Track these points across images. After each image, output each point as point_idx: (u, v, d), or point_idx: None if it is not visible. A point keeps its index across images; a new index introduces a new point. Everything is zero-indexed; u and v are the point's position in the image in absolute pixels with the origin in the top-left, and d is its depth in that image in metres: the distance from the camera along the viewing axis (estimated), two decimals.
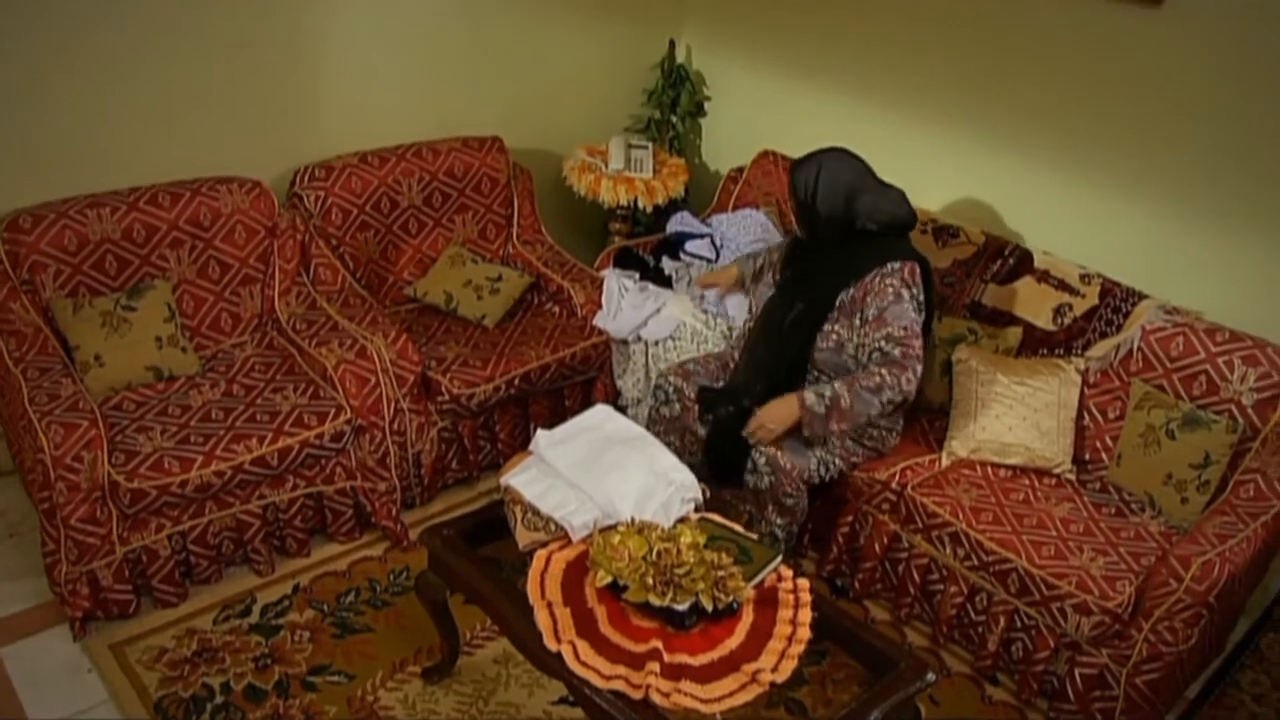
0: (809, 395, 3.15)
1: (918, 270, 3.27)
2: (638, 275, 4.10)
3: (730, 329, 3.84)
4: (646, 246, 4.35)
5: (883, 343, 3.16)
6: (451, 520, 2.89)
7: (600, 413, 3.05)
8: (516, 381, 3.67)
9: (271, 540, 3.38)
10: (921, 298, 3.26)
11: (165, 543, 3.13)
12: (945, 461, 3.38)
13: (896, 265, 3.22)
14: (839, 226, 3.25)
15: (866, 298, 3.21)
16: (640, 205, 4.36)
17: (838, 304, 3.26)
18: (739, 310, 3.85)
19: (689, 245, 4.30)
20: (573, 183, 4.41)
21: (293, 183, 3.85)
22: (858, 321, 3.23)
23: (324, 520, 3.47)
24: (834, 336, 3.27)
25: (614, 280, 4.00)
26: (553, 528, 2.67)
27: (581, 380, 3.89)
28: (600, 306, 3.92)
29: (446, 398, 3.53)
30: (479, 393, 3.58)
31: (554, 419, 3.84)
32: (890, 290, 3.19)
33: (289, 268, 3.69)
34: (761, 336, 3.44)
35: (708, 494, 2.87)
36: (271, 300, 3.66)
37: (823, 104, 4.37)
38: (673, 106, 4.82)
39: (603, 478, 2.76)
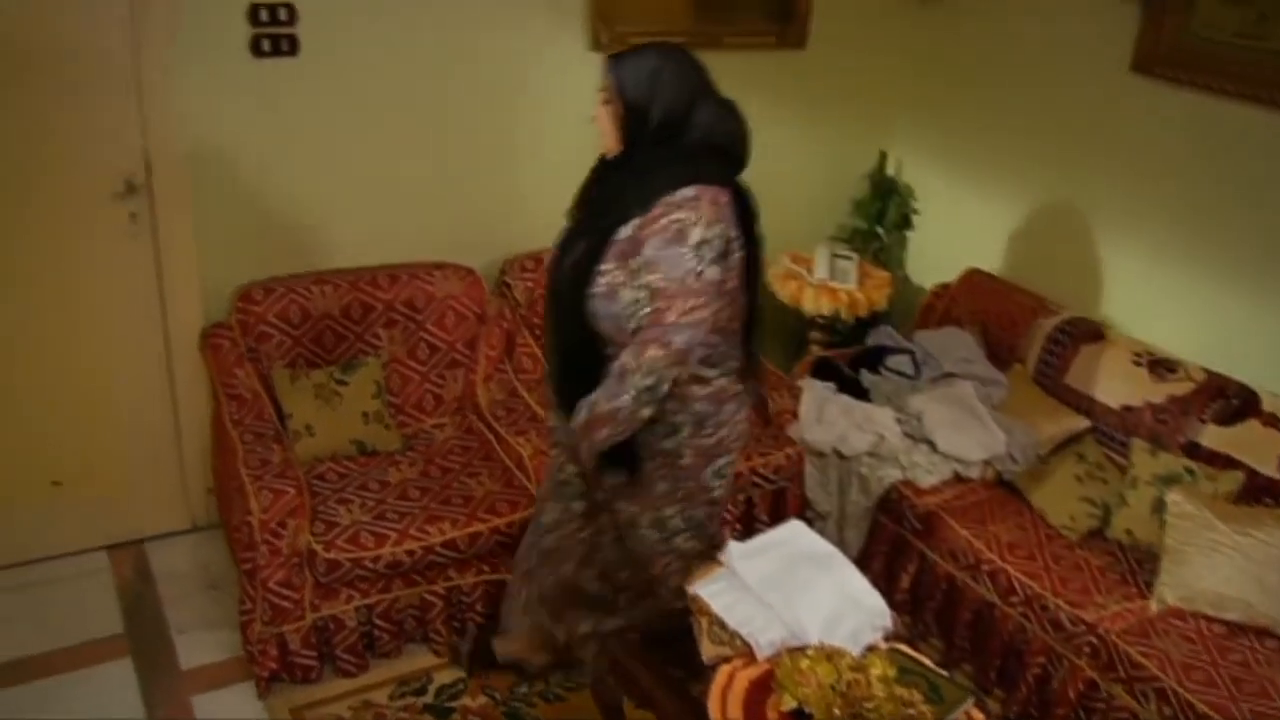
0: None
1: (724, 200, 2.48)
2: (835, 387, 4.03)
3: (932, 447, 3.73)
4: (845, 358, 4.28)
5: (647, 303, 2.46)
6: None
7: (793, 528, 2.97)
8: None
9: (452, 622, 3.40)
10: (727, 239, 2.49)
11: (353, 614, 3.20)
12: (1155, 608, 3.16)
13: (690, 193, 2.43)
14: (669, 137, 2.50)
15: (647, 235, 2.46)
16: (842, 316, 4.31)
17: (614, 239, 2.50)
18: (943, 428, 3.74)
19: (889, 360, 4.22)
20: (775, 289, 4.40)
21: (502, 271, 3.96)
22: (633, 266, 2.48)
23: (499, 611, 3.47)
24: (604, 280, 2.51)
25: (812, 390, 3.94)
26: (738, 643, 2.60)
27: (773, 489, 3.82)
28: (796, 416, 3.86)
29: None
30: None
31: (744, 526, 3.80)
32: (672, 227, 2.41)
33: (493, 354, 3.77)
34: (549, 294, 2.78)
35: (898, 622, 2.76)
36: (474, 385, 3.74)
37: (1035, 224, 4.25)
38: (880, 218, 4.77)
39: (793, 596, 2.69)
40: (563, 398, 2.67)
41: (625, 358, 2.46)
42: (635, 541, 2.89)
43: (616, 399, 2.47)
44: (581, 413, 2.53)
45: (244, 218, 3.54)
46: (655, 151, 2.49)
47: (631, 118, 2.50)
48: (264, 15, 3.32)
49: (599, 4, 3.82)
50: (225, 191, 3.46)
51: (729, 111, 2.56)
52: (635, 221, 2.46)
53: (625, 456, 2.65)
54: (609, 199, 2.55)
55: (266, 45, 3.36)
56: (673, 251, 2.40)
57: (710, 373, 2.65)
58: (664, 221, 2.41)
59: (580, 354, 2.60)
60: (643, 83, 2.47)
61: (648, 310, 2.44)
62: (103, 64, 3.21)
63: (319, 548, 3.05)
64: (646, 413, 2.50)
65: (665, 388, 2.48)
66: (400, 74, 3.63)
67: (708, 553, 2.88)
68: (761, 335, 2.81)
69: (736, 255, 2.55)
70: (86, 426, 3.57)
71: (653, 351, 2.42)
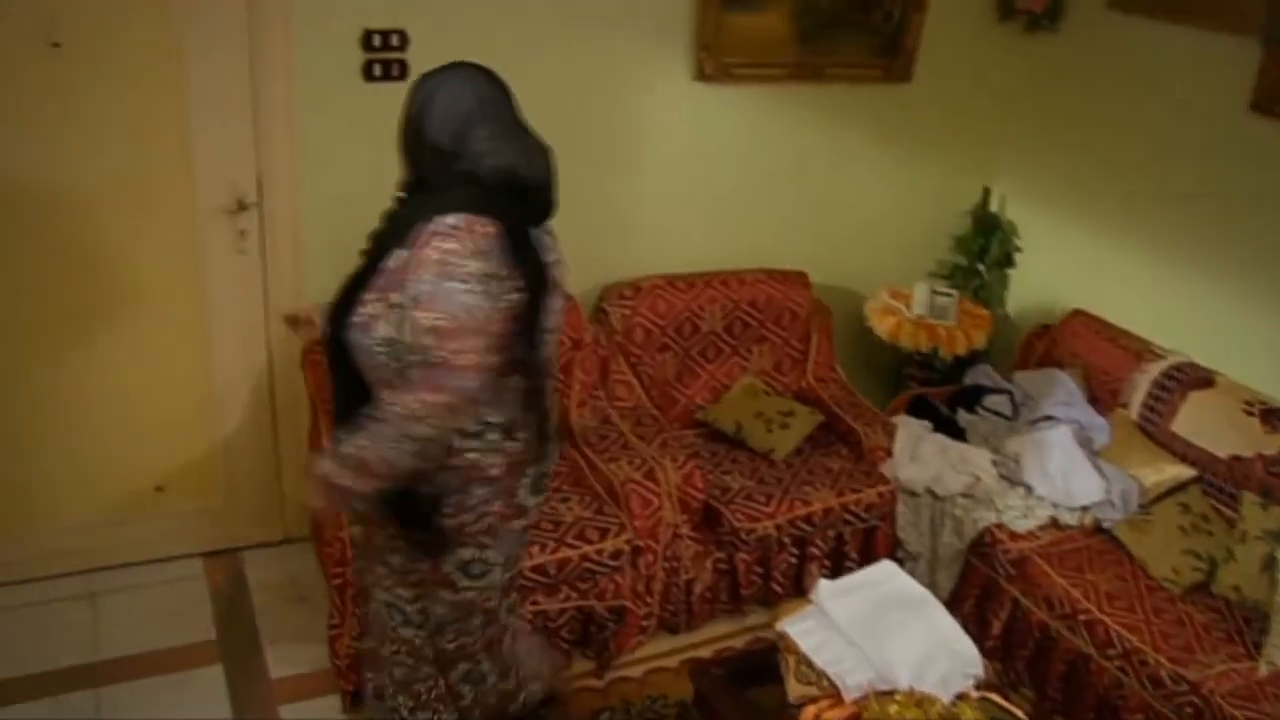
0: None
1: (489, 231, 2.21)
2: (931, 425, 3.97)
3: (1029, 490, 3.66)
4: (942, 396, 4.22)
5: (419, 340, 2.19)
6: (720, 659, 2.85)
7: (885, 569, 2.95)
8: (799, 521, 3.59)
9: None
10: (500, 277, 2.22)
11: None
12: (1263, 670, 3.04)
13: (455, 221, 2.19)
14: (441, 165, 2.29)
15: (414, 267, 2.21)
16: (940, 353, 4.25)
17: (381, 268, 2.28)
18: (1041, 472, 3.66)
19: (986, 400, 4.15)
20: (873, 324, 4.35)
21: (600, 298, 3.98)
22: (394, 300, 2.24)
23: (588, 633, 3.47)
24: (363, 311, 2.28)
25: (907, 428, 3.89)
26: (825, 683, 2.58)
27: (864, 528, 3.77)
28: (891, 454, 3.81)
29: (727, 529, 3.50)
30: (760, 528, 3.52)
31: (832, 563, 3.76)
32: (433, 259, 2.17)
33: (588, 380, 3.78)
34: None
35: (989, 670, 2.70)
36: (568, 411, 3.75)
37: (1143, 266, 4.15)
38: (981, 255, 4.70)
39: (883, 639, 2.66)
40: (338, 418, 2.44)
41: (390, 399, 2.20)
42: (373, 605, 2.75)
43: (391, 449, 2.20)
44: (328, 461, 2.27)
45: (349, 239, 3.53)
46: (436, 179, 2.31)
47: (408, 139, 2.34)
48: (377, 41, 3.39)
49: (704, 35, 3.83)
50: (331, 212, 3.53)
51: (513, 144, 2.33)
52: (401, 253, 2.24)
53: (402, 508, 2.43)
54: (386, 228, 2.36)
55: (378, 70, 3.42)
56: (447, 286, 2.15)
57: (460, 442, 2.35)
58: (431, 253, 2.17)
59: (353, 392, 2.34)
60: (418, 102, 2.32)
61: (417, 354, 2.19)
62: (222, 81, 3.29)
63: None
64: (407, 463, 2.23)
65: (440, 437, 2.25)
66: None
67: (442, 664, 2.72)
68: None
69: (509, 296, 2.25)
70: (190, 435, 3.67)
71: (438, 399, 2.16)
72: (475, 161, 2.26)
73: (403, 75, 3.45)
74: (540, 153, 2.38)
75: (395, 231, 2.28)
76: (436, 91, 2.30)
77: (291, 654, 3.42)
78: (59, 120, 3.14)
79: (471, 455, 2.36)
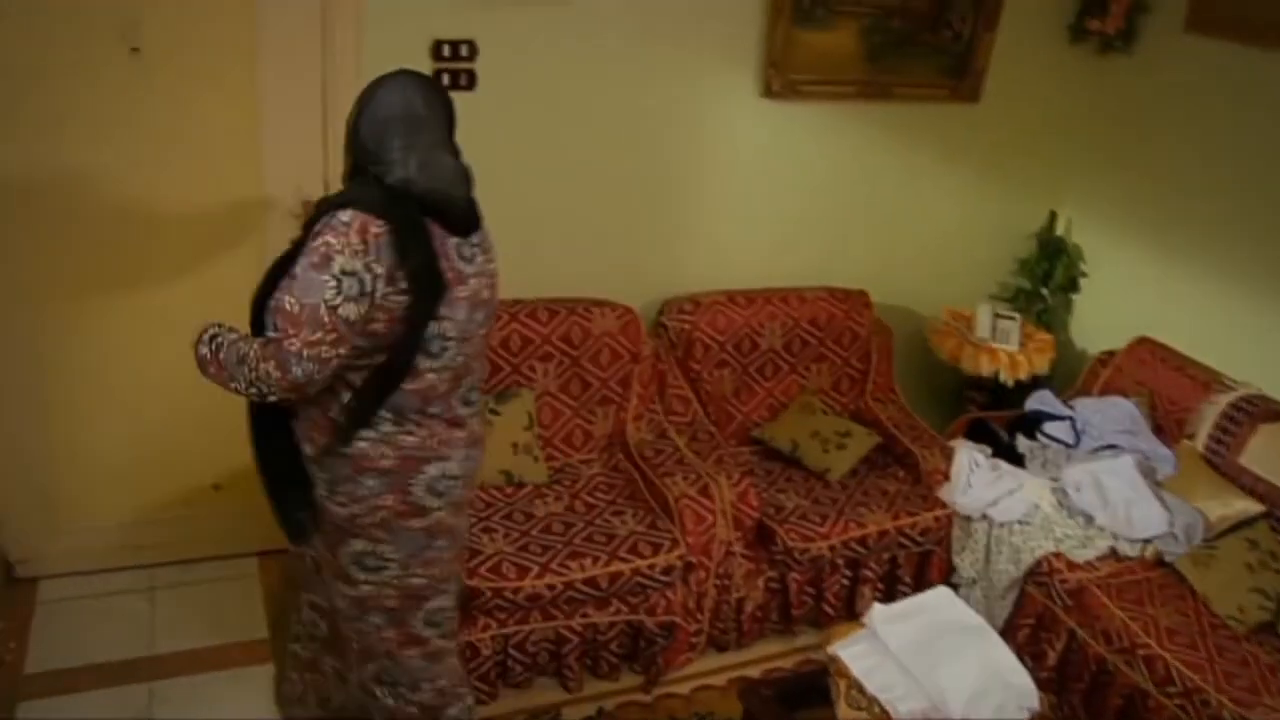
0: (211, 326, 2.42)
1: (375, 231, 2.23)
2: (990, 450, 3.92)
3: (1089, 519, 3.60)
4: (1002, 421, 4.17)
5: (271, 316, 2.28)
6: (770, 679, 2.83)
7: (941, 595, 2.91)
8: (853, 543, 3.56)
9: (585, 659, 3.40)
10: (373, 276, 2.23)
11: (489, 642, 3.22)
12: None
13: (345, 217, 2.23)
14: (363, 163, 2.36)
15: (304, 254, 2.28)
16: (1001, 377, 4.19)
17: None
18: (1102, 502, 3.60)
19: (1047, 426, 4.09)
20: (934, 346, 4.31)
21: (660, 312, 3.98)
22: None
23: (637, 648, 3.46)
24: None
25: (966, 453, 3.83)
26: (876, 710, 2.55)
27: (918, 551, 3.73)
28: (948, 478, 3.76)
29: (780, 548, 3.47)
30: (814, 549, 3.49)
31: (885, 587, 3.72)
32: (320, 250, 2.22)
33: (645, 394, 3.78)
34: None
35: (1044, 703, 2.65)
36: (624, 423, 3.76)
37: (1214, 296, 4.07)
38: (1045, 279, 4.64)
39: (936, 667, 2.62)
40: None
41: (254, 347, 2.28)
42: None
43: (233, 372, 2.31)
44: (204, 343, 2.39)
45: None
46: (358, 175, 2.39)
47: (347, 133, 2.40)
48: (446, 51, 3.42)
49: (773, 52, 3.81)
50: None
51: (420, 160, 2.32)
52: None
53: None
54: (314, 215, 2.38)
55: (446, 79, 3.45)
56: (313, 276, 2.21)
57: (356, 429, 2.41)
58: (318, 243, 2.23)
59: None
60: (359, 101, 2.38)
61: (273, 317, 2.26)
62: (293, 86, 3.32)
63: (462, 575, 3.08)
64: (234, 390, 2.35)
65: (257, 396, 2.33)
66: (573, 114, 3.69)
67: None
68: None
69: (394, 298, 2.27)
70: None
71: (270, 368, 2.24)
72: (387, 168, 2.32)
73: (471, 85, 3.47)
74: (452, 172, 2.40)
75: (315, 219, 2.34)
76: (374, 94, 2.36)
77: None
78: (134, 122, 3.19)
79: (362, 444, 2.41)
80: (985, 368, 4.19)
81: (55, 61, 3.00)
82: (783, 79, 3.87)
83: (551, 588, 3.15)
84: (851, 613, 3.71)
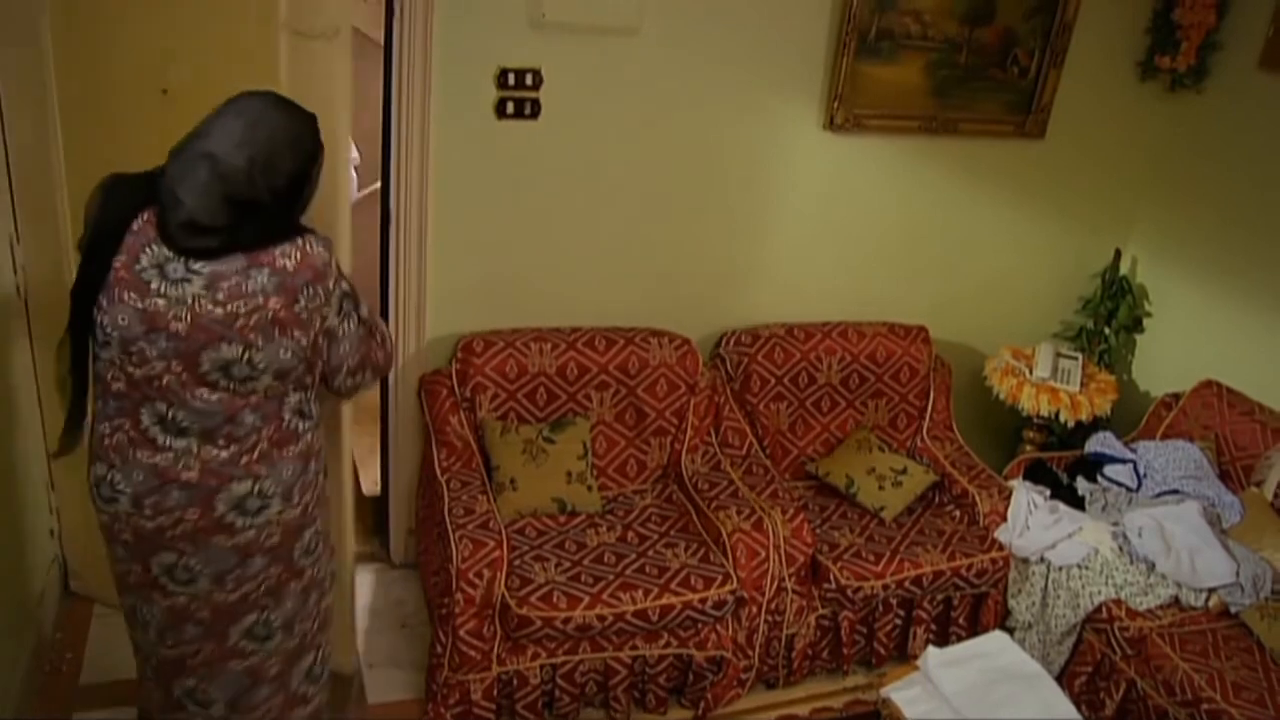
0: None
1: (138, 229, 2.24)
2: (1049, 492, 3.85)
3: (1150, 566, 3.52)
4: (1061, 462, 4.10)
5: None
6: (819, 718, 2.78)
7: (996, 640, 2.87)
8: (907, 583, 3.51)
9: (633, 691, 3.38)
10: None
11: (536, 671, 3.21)
12: None
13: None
14: None
15: None
16: (1061, 418, 4.13)
17: None
18: (1165, 549, 3.52)
19: (1108, 469, 4.02)
20: (993, 384, 4.26)
21: (718, 344, 3.97)
22: None
23: (685, 682, 3.43)
24: None
25: (1023, 494, 3.77)
26: None
27: (973, 593, 3.67)
28: (1005, 519, 3.70)
29: (833, 586, 3.43)
30: (867, 587, 3.44)
31: (938, 629, 3.67)
32: None
33: (701, 426, 3.77)
34: None
35: None
36: (679, 455, 3.74)
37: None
38: (1109, 319, 4.57)
39: (991, 714, 2.59)
40: None
41: None
42: None
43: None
44: None
45: (473, 269, 3.66)
46: None
47: None
48: (511, 79, 3.44)
49: (837, 85, 3.80)
50: (458, 242, 3.59)
51: (176, 169, 2.20)
52: None
53: None
54: None
55: (510, 108, 3.47)
56: None
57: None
58: None
59: None
60: None
61: None
62: (361, 112, 3.37)
63: (512, 603, 3.08)
64: None
65: None
66: (635, 144, 3.70)
67: None
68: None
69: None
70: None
71: None
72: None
73: (535, 114, 3.49)
74: (200, 186, 2.17)
75: None
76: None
77: (390, 679, 3.44)
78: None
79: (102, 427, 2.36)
80: (1045, 408, 4.12)
81: (104, 102, 3.05)
82: (847, 112, 3.85)
83: (602, 619, 3.13)
84: (903, 654, 3.66)
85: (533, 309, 3.77)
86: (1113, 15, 4.11)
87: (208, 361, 2.22)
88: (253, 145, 2.19)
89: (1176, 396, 4.20)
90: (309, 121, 2.32)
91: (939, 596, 3.64)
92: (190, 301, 2.18)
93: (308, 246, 2.26)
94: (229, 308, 2.19)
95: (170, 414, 2.27)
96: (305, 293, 2.25)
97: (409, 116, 3.37)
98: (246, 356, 2.23)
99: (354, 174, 4.25)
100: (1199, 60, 4.15)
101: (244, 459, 2.32)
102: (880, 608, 3.59)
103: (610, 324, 3.80)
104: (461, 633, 3.08)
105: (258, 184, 2.19)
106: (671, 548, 3.40)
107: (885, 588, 3.48)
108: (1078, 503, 3.87)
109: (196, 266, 2.19)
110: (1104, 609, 3.44)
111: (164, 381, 2.24)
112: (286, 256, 2.23)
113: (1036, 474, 4.00)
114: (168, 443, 2.28)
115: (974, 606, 3.71)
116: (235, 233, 2.20)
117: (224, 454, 2.30)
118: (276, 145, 2.22)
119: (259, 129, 2.20)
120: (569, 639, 3.17)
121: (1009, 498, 3.77)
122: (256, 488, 2.34)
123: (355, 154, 4.41)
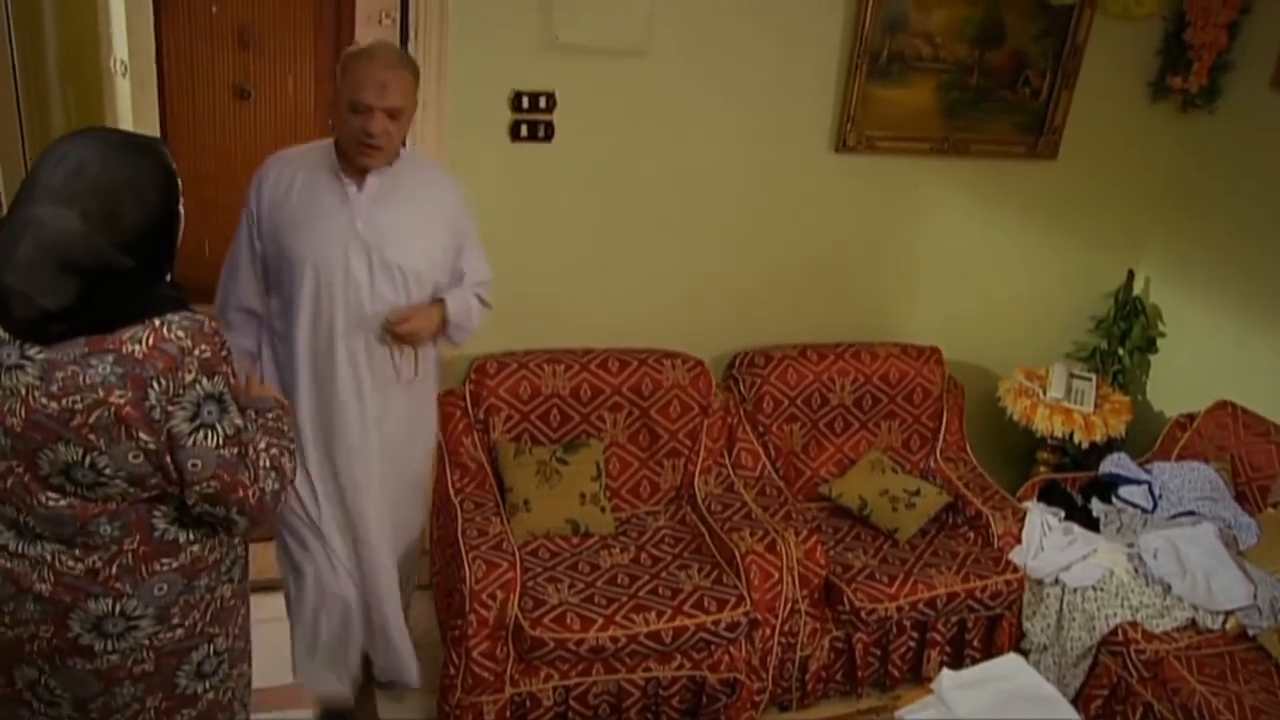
0: None
1: None
2: (1063, 513, 3.84)
3: (1166, 588, 3.50)
4: (1075, 483, 4.09)
5: None
6: None
7: (1012, 663, 2.85)
8: (921, 605, 3.49)
9: (647, 713, 3.37)
10: None
11: (550, 693, 3.20)
12: None
13: None
14: None
15: None
16: (1075, 439, 4.12)
17: None
18: (1181, 571, 3.50)
19: (1123, 490, 4.00)
20: (1006, 405, 4.25)
21: (731, 365, 3.97)
22: None
23: (699, 704, 3.42)
24: None
25: (1038, 515, 3.76)
26: None
27: (988, 615, 3.65)
28: (1020, 541, 3.69)
29: (847, 608, 3.42)
30: (881, 609, 3.43)
31: (953, 651, 3.66)
32: None
33: (714, 447, 3.77)
34: None
35: None
36: (692, 476, 3.74)
37: None
38: (1122, 339, 4.56)
39: None
40: None
41: None
42: None
43: None
44: None
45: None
46: None
47: None
48: (525, 102, 3.46)
49: (849, 106, 3.81)
50: None
51: (16, 222, 1.82)
52: None
53: None
54: None
55: (524, 130, 3.49)
56: None
57: None
58: None
59: None
60: None
61: None
62: None
63: (526, 624, 3.07)
64: None
65: None
66: (647, 167, 3.72)
67: None
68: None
69: None
70: None
71: None
72: None
73: (548, 136, 3.51)
74: (21, 259, 1.79)
75: None
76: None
77: (401, 700, 3.44)
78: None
79: None
80: (1059, 429, 4.11)
81: (196, 107, 3.19)
82: (858, 134, 3.87)
83: (615, 640, 3.13)
84: (918, 676, 3.65)
85: (546, 330, 3.78)
86: (1124, 36, 4.12)
87: (46, 464, 1.88)
88: (83, 199, 1.80)
89: (1191, 417, 4.19)
90: (150, 153, 1.92)
91: (953, 618, 3.63)
92: (24, 393, 1.83)
93: (165, 329, 1.85)
94: (64, 402, 1.83)
95: (20, 518, 1.95)
96: (155, 386, 1.85)
97: (424, 139, 3.40)
98: (89, 460, 1.87)
99: None
100: (1211, 81, 4.15)
101: (103, 573, 1.97)
102: (894, 630, 3.58)
103: (623, 345, 3.80)
104: (475, 654, 3.08)
105: (99, 246, 1.81)
106: (685, 569, 3.40)
107: (899, 610, 3.46)
108: (1092, 524, 3.85)
109: (31, 352, 1.83)
110: (1120, 631, 3.42)
111: (8, 483, 1.91)
112: (136, 340, 1.84)
113: (1051, 495, 3.98)
114: (21, 549, 1.96)
115: (988, 629, 3.69)
116: (88, 311, 1.82)
117: (80, 566, 1.96)
118: (114, 192, 1.83)
119: (84, 176, 1.81)
120: (582, 660, 3.17)
121: (1023, 519, 3.76)
122: (118, 607, 1.99)
123: None
